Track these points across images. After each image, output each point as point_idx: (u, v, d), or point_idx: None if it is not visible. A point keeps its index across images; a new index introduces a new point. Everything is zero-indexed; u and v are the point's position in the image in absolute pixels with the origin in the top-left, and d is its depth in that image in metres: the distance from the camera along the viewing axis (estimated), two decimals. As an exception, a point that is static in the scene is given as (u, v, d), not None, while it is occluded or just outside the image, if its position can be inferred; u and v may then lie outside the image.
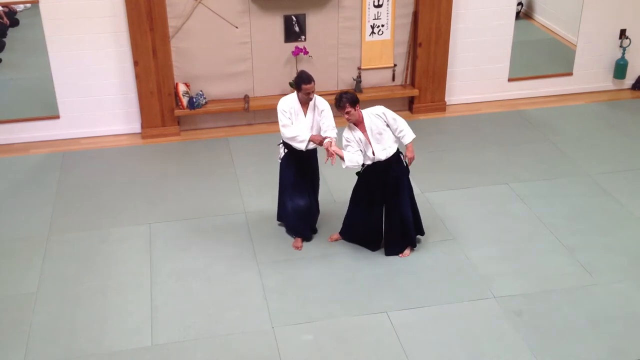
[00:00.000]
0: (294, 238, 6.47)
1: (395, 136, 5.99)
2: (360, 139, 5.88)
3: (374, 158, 5.90)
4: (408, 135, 6.00)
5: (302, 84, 5.94)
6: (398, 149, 6.05)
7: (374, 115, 5.91)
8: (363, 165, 6.04)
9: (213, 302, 5.80)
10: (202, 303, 5.79)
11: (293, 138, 6.01)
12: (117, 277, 6.11)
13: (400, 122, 5.97)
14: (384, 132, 5.91)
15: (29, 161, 8.01)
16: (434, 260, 6.27)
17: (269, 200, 6.96)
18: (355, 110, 5.81)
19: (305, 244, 6.47)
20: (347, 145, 5.91)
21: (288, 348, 5.33)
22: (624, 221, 6.81)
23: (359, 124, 5.90)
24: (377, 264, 6.23)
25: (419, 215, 6.32)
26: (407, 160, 6.07)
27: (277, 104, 8.43)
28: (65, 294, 5.90)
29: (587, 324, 5.52)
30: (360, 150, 5.88)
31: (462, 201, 7.14)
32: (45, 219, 6.92)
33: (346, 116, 5.82)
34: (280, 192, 6.49)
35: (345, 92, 5.86)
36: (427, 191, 7.31)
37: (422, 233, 6.39)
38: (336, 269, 6.18)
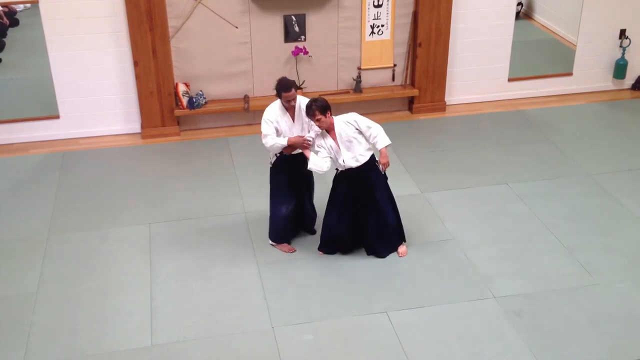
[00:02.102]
0: (277, 244, 6.42)
1: (370, 142, 5.92)
2: (331, 146, 5.86)
3: (344, 166, 5.89)
4: (381, 141, 5.86)
5: (282, 91, 5.86)
6: (373, 156, 5.98)
7: (344, 123, 5.86)
8: (337, 169, 6.06)
9: (213, 302, 5.80)
10: (202, 303, 5.79)
11: (272, 147, 5.96)
12: (117, 277, 6.11)
13: (374, 129, 5.86)
14: (354, 140, 5.85)
15: (29, 161, 8.01)
16: (434, 260, 6.27)
17: (268, 200, 6.95)
18: (325, 117, 5.77)
19: (304, 244, 6.47)
20: (317, 151, 5.94)
21: (288, 348, 5.33)
22: (624, 221, 6.81)
23: (330, 130, 5.88)
24: (377, 264, 6.23)
25: (400, 222, 6.29)
26: (381, 167, 5.98)
27: (277, 104, 8.49)
28: (65, 294, 5.90)
29: (587, 324, 5.52)
30: (330, 157, 5.90)
31: (462, 201, 7.14)
32: (45, 219, 6.92)
33: (317, 123, 5.79)
34: (274, 205, 6.34)
35: (316, 99, 5.80)
36: (427, 191, 7.31)
37: (404, 240, 6.37)
38: (336, 269, 6.18)
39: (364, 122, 5.87)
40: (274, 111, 5.98)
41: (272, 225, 6.40)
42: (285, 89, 5.87)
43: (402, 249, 6.32)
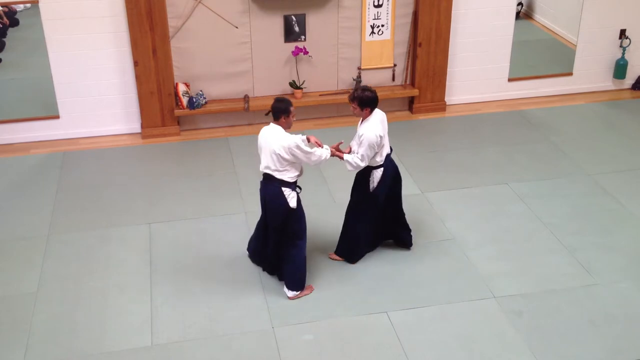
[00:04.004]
0: (302, 291, 5.89)
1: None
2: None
3: None
4: (348, 161, 5.78)
5: (290, 106, 5.56)
6: (367, 172, 5.93)
7: (365, 125, 5.80)
8: None
9: (213, 302, 5.80)
10: (202, 303, 5.79)
11: (321, 160, 5.68)
12: (117, 277, 6.11)
13: (353, 155, 5.78)
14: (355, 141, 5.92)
15: (29, 161, 8.01)
16: (434, 260, 6.27)
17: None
18: (362, 110, 5.78)
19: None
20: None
21: (288, 348, 5.33)
22: (624, 221, 6.81)
23: (362, 121, 5.89)
24: (377, 264, 6.23)
25: (350, 237, 6.17)
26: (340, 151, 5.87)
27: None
28: (65, 294, 5.91)
29: (587, 324, 5.53)
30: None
31: (462, 201, 7.14)
32: (45, 219, 6.92)
33: (351, 108, 5.88)
34: (302, 247, 5.81)
35: (367, 90, 5.74)
36: (427, 191, 7.31)
37: (347, 258, 6.28)
38: (336, 269, 6.17)
39: (362, 143, 5.75)
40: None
41: (303, 271, 5.83)
42: (290, 103, 5.57)
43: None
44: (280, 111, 5.52)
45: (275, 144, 5.47)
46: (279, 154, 5.47)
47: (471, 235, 6.60)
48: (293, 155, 5.49)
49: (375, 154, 5.85)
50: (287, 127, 5.59)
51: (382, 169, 5.95)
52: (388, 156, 5.99)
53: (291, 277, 5.81)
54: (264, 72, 8.56)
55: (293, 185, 5.64)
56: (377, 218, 6.17)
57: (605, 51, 9.38)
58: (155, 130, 8.45)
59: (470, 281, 6.01)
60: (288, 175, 5.58)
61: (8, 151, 8.22)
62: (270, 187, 5.62)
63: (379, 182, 5.98)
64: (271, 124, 5.60)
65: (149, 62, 8.13)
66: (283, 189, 5.58)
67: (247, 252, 6.28)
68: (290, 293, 5.82)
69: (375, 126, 5.77)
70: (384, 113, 5.98)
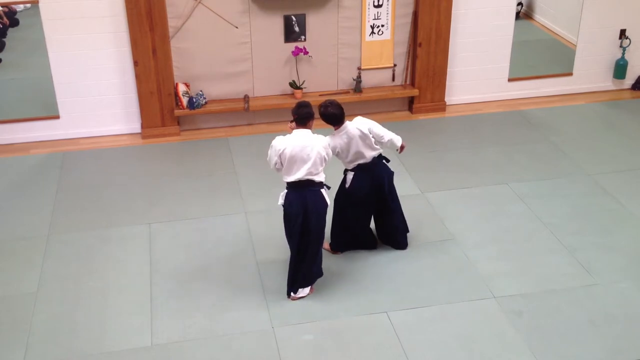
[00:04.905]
0: (310, 289, 5.92)
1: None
2: None
3: None
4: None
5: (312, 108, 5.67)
6: (345, 171, 6.14)
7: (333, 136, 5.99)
8: None
9: (213, 302, 5.80)
10: (202, 303, 5.79)
11: None
12: (117, 277, 6.11)
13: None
14: None
15: (29, 161, 8.01)
16: (434, 260, 6.27)
17: (269, 200, 6.96)
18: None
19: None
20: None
21: (288, 348, 5.33)
22: (624, 221, 6.81)
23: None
24: (377, 264, 6.23)
25: (332, 224, 6.28)
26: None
27: (277, 103, 8.52)
28: (65, 294, 5.91)
29: (587, 324, 5.53)
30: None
31: (462, 201, 7.14)
32: (45, 219, 6.92)
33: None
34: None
35: (328, 106, 5.80)
36: (426, 191, 7.31)
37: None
38: (336, 269, 6.18)
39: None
40: None
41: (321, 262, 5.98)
42: (311, 104, 5.67)
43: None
44: (310, 116, 5.59)
45: (319, 147, 5.56)
46: (324, 156, 5.61)
47: (471, 235, 6.60)
48: (327, 152, 5.65)
49: (344, 158, 6.02)
50: (312, 129, 5.69)
51: (352, 173, 6.06)
52: (367, 165, 6.01)
53: (313, 273, 5.86)
54: (264, 72, 8.56)
55: (325, 184, 5.75)
56: (359, 219, 6.22)
57: (605, 51, 9.38)
58: (155, 130, 8.45)
59: (470, 281, 6.01)
60: (323, 176, 5.70)
61: (8, 151, 8.22)
62: (313, 191, 5.63)
63: (350, 185, 6.09)
64: (295, 131, 5.60)
65: (149, 62, 8.13)
66: (321, 190, 5.68)
67: (288, 296, 5.86)
68: (305, 291, 5.84)
69: (336, 140, 5.87)
70: (359, 129, 5.88)
